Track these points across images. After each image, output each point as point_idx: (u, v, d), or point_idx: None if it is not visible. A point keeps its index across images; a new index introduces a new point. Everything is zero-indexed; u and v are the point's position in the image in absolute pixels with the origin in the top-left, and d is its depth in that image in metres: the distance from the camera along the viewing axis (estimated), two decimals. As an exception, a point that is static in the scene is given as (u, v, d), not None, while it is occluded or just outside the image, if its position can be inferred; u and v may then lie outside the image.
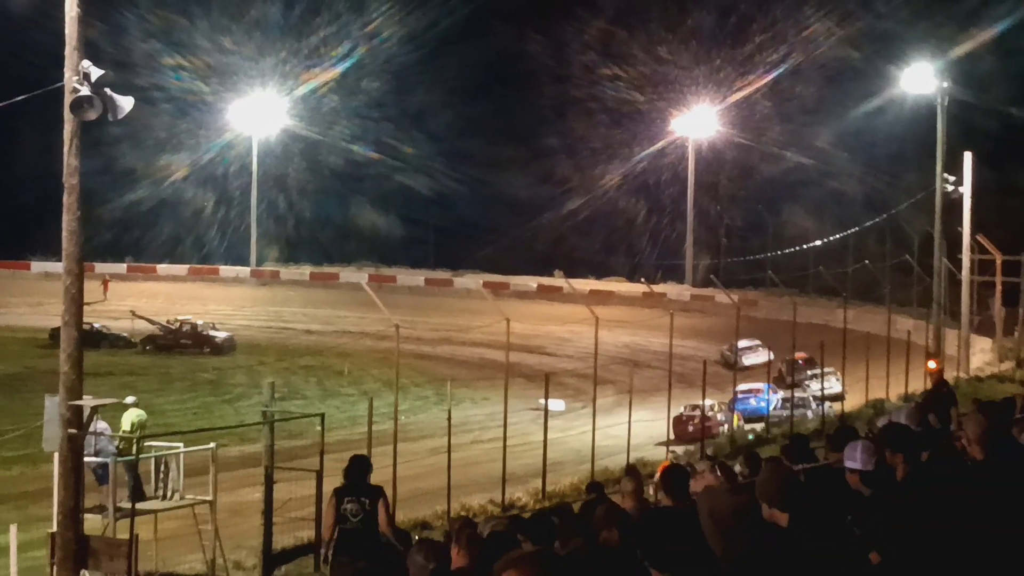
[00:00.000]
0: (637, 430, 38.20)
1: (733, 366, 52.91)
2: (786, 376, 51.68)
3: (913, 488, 7.90)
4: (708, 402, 43.91)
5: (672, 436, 42.03)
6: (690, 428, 43.63)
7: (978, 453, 8.53)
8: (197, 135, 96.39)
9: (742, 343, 58.01)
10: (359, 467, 16.17)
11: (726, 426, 44.93)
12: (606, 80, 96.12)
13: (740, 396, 48.39)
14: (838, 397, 48.66)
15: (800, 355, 52.35)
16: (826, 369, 49.29)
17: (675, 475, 10.10)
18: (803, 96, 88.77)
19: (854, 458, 9.02)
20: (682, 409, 45.05)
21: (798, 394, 47.67)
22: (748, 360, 59.26)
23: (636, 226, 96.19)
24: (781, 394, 49.21)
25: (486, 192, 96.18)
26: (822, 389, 47.22)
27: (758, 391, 49.52)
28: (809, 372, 51.71)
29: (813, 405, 47.30)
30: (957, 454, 9.15)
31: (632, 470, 15.30)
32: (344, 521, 15.72)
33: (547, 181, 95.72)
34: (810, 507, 6.82)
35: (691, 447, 38.61)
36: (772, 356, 56.36)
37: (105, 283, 76.68)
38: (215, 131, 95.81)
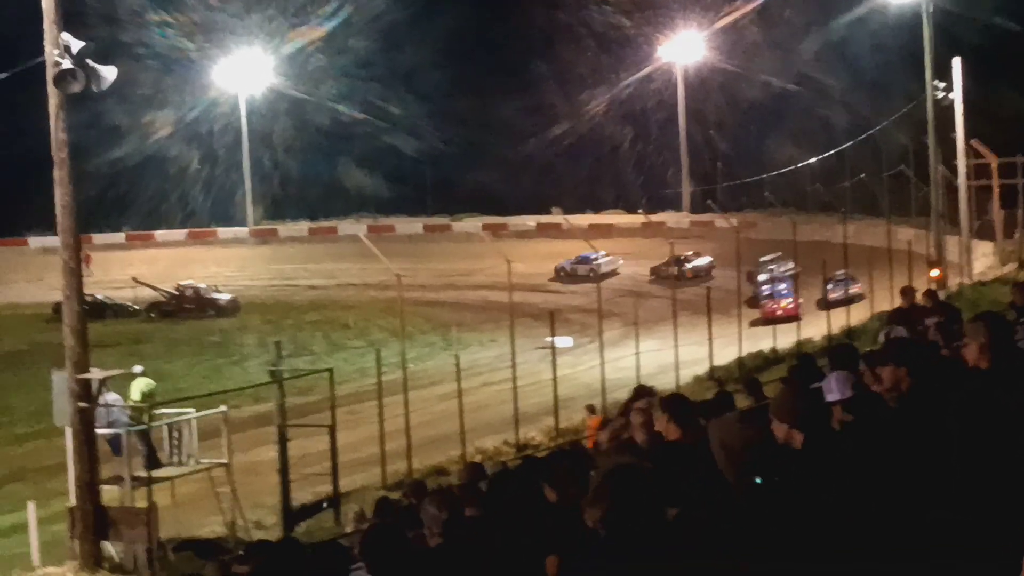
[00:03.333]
0: (646, 360, 38.27)
1: (589, 278, 63.96)
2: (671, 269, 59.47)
3: (916, 402, 7.88)
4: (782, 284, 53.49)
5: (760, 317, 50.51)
6: (778, 312, 50.93)
7: (984, 362, 8.48)
8: (183, 92, 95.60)
9: (591, 254, 66.58)
10: None
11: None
12: (593, 4, 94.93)
13: (763, 289, 56.10)
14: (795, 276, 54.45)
15: (687, 253, 63.21)
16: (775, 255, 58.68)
17: (678, 404, 10.05)
18: (791, 21, 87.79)
19: (831, 390, 9.02)
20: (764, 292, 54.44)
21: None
22: (607, 268, 68.49)
23: (622, 154, 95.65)
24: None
25: (475, 149, 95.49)
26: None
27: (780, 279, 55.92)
28: (761, 260, 58.93)
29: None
30: (958, 364, 9.11)
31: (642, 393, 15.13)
32: None
33: (536, 111, 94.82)
34: (825, 428, 6.81)
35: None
36: (622, 261, 69.37)
37: (87, 257, 76.19)
38: (200, 89, 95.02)
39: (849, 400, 8.86)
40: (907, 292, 18.63)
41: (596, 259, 68.46)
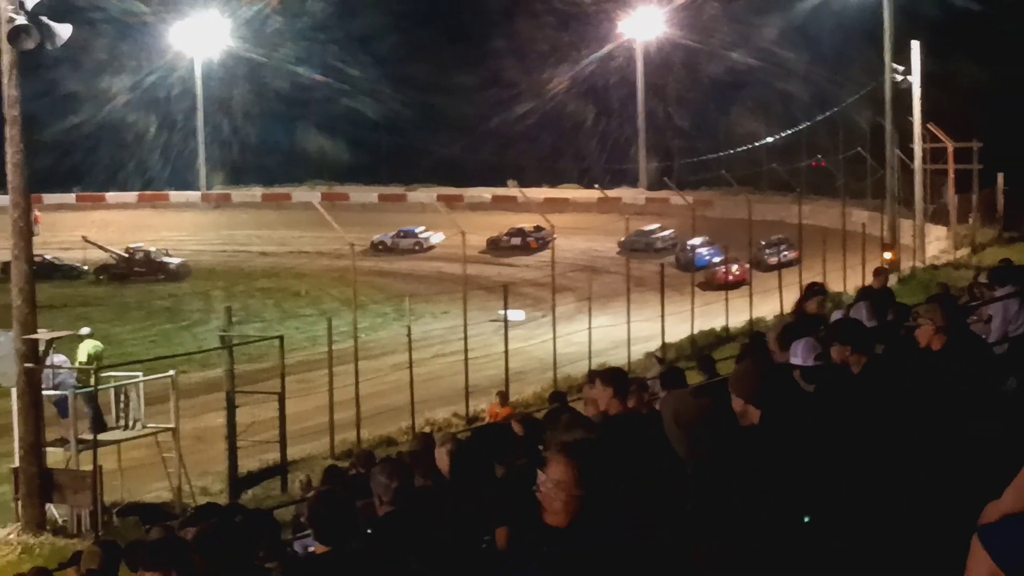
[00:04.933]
0: (598, 335, 38.26)
1: (414, 251, 70.58)
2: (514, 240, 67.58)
3: (868, 381, 7.88)
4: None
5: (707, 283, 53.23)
6: (730, 278, 52.37)
7: (937, 344, 8.49)
8: (139, 57, 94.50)
9: (413, 228, 73.60)
10: None
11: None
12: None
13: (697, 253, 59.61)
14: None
15: (528, 226, 68.77)
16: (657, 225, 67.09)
17: (622, 378, 10.05)
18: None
19: (796, 354, 9.06)
20: (719, 266, 55.96)
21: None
22: (435, 240, 71.66)
23: (584, 130, 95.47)
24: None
25: (434, 113, 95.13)
26: None
27: (710, 243, 59.92)
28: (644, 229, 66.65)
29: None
30: (914, 345, 9.12)
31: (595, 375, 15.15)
32: None
33: (494, 84, 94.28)
34: (782, 405, 6.76)
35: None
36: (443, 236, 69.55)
37: (36, 217, 74.86)
38: (157, 53, 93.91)
39: (812, 369, 8.87)
40: (880, 272, 18.66)
41: (420, 233, 72.45)
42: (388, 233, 72.92)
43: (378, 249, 71.58)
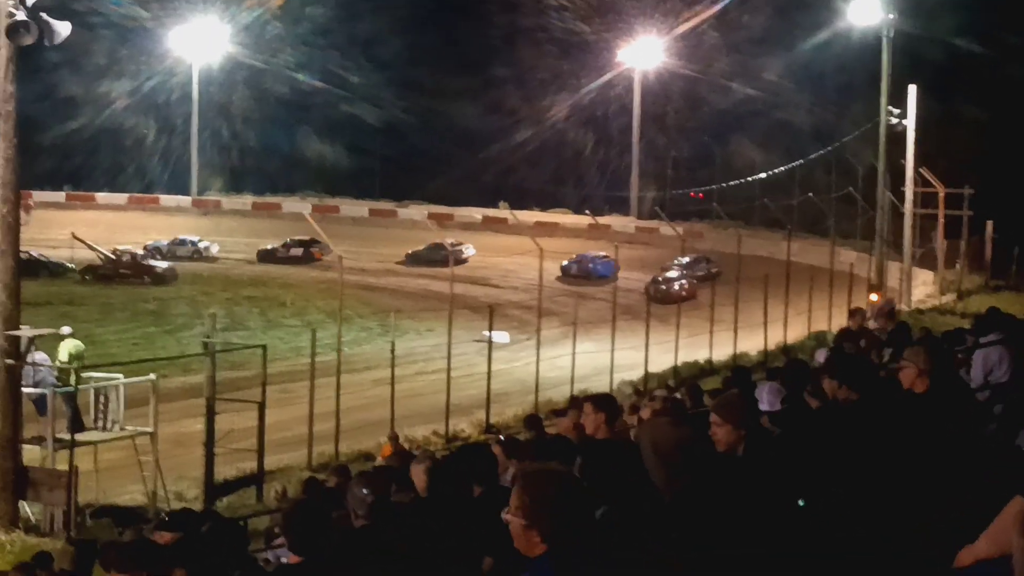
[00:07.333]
0: (582, 361, 38.26)
1: (192, 259, 73.52)
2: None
3: (857, 417, 7.89)
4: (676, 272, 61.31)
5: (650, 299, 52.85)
6: (683, 293, 57.47)
7: (920, 387, 8.51)
8: (138, 62, 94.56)
9: (191, 237, 76.78)
10: None
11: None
12: (553, 10, 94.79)
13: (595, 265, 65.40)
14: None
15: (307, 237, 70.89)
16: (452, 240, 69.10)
17: (614, 404, 10.05)
18: (751, 27, 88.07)
19: (762, 399, 9.08)
20: (659, 278, 60.53)
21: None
22: (214, 250, 76.22)
23: (584, 158, 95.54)
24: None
25: (434, 122, 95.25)
26: None
27: (605, 257, 63.71)
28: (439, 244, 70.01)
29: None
30: (898, 386, 9.14)
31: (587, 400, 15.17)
32: None
33: (495, 111, 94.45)
34: (765, 438, 6.79)
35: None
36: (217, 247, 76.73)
37: (27, 206, 73.69)
38: (156, 58, 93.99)
39: (778, 413, 8.91)
40: (856, 313, 18.78)
41: (198, 242, 75.66)
42: (164, 240, 75.58)
43: (154, 256, 72.34)
